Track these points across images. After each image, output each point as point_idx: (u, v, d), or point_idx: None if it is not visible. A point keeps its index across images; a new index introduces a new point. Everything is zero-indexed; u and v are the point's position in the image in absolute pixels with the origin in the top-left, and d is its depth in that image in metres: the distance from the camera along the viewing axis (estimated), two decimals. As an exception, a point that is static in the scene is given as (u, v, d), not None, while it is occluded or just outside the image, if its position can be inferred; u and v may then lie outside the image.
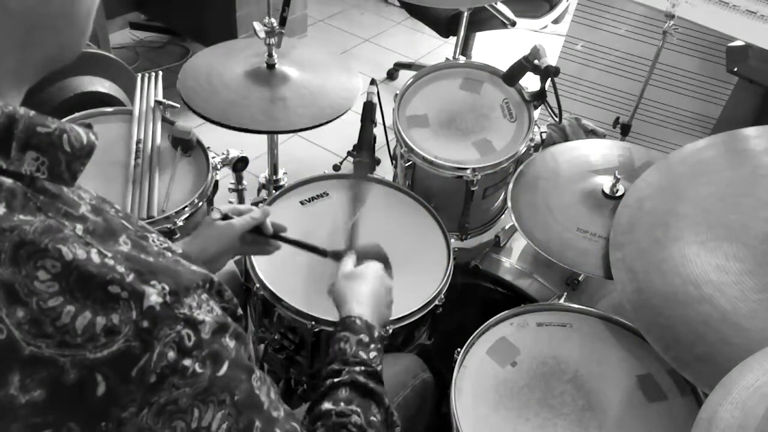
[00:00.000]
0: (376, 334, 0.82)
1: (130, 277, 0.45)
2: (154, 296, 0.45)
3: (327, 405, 0.70)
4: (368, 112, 1.43)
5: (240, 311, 0.55)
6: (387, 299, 0.93)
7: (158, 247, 0.50)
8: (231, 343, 0.51)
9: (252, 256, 1.13)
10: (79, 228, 0.45)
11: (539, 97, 1.46)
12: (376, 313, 0.86)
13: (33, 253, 0.43)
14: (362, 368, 0.75)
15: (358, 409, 0.70)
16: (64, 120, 0.48)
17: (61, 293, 0.43)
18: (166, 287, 0.46)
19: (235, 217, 1.01)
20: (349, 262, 0.97)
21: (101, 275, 0.44)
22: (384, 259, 1.02)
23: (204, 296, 0.49)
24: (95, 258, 0.44)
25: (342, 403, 0.70)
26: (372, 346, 0.80)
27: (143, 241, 0.49)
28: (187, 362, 0.46)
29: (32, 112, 0.45)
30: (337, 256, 1.04)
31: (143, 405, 0.45)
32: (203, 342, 0.47)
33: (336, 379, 0.74)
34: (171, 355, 0.45)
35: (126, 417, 0.44)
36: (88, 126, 0.51)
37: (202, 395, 0.48)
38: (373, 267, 0.95)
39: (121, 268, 0.45)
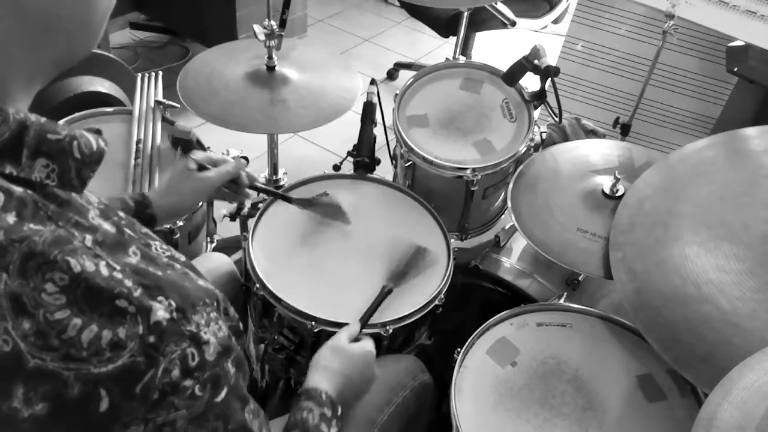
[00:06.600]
0: (339, 412, 0.81)
1: (138, 292, 0.44)
2: (161, 312, 0.44)
3: None
4: (368, 112, 1.43)
5: (241, 326, 0.55)
6: (360, 389, 0.92)
7: (165, 257, 0.50)
8: (232, 370, 0.50)
9: (252, 256, 1.13)
10: (89, 239, 0.45)
11: (539, 97, 1.46)
12: (341, 396, 0.85)
13: (42, 265, 0.42)
14: None
15: None
16: (63, 120, 0.48)
17: (68, 306, 0.42)
18: (173, 303, 0.45)
19: (211, 168, 1.04)
20: (344, 335, 0.95)
21: (109, 289, 0.43)
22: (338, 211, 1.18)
23: (213, 314, 0.49)
24: (104, 271, 0.44)
25: None
26: (334, 422, 0.79)
27: (150, 251, 0.49)
28: (187, 383, 0.45)
29: (43, 119, 0.45)
30: (303, 203, 1.18)
31: (143, 422, 0.44)
32: (206, 364, 0.47)
33: None
34: (175, 373, 0.45)
35: None
36: (98, 132, 0.50)
37: (197, 420, 0.47)
38: (365, 351, 0.93)
39: (129, 282, 0.44)
